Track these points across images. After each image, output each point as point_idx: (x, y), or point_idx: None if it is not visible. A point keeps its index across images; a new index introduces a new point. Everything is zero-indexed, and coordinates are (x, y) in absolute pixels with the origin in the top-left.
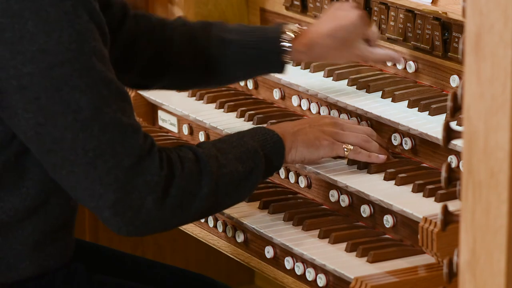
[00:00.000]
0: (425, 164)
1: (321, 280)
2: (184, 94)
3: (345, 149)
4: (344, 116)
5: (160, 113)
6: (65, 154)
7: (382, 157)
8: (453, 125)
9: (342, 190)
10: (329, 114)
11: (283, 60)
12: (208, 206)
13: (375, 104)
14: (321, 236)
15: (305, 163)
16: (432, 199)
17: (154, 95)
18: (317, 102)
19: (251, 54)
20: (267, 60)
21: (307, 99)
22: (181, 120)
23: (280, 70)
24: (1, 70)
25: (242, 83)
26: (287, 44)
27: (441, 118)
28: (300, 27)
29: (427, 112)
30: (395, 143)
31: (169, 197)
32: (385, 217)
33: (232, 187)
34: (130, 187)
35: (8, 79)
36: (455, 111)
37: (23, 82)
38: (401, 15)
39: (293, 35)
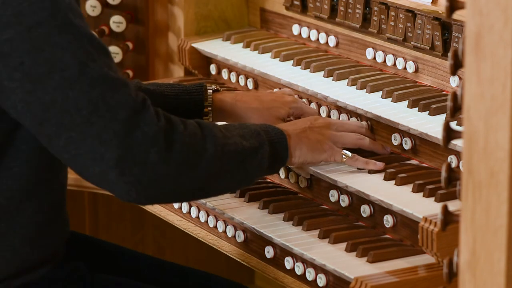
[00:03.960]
0: (425, 164)
1: (321, 280)
2: None
3: (343, 156)
4: (344, 116)
5: None
6: (59, 120)
7: (380, 164)
8: (453, 125)
9: (342, 190)
10: (329, 114)
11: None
12: (215, 171)
13: (375, 104)
14: (321, 236)
15: (304, 165)
16: (432, 199)
17: None
18: (317, 102)
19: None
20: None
21: (307, 99)
22: None
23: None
24: None
25: (242, 83)
26: (213, 87)
27: (441, 118)
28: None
29: (427, 112)
30: (395, 143)
31: (174, 152)
32: (385, 217)
33: (238, 159)
34: (130, 142)
35: None
36: (455, 111)
37: (3, 50)
38: (401, 15)
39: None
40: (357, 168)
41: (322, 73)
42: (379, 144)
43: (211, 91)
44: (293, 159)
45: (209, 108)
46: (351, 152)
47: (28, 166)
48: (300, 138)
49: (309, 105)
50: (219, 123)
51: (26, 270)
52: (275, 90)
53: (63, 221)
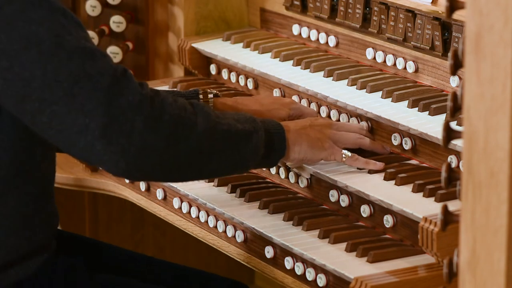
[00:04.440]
0: (425, 164)
1: (321, 280)
2: None
3: (343, 156)
4: (344, 116)
5: None
6: (41, 95)
7: (380, 164)
8: (453, 125)
9: (342, 190)
10: (329, 114)
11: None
12: (206, 148)
13: (375, 104)
14: (321, 236)
15: (303, 162)
16: (432, 199)
17: None
18: (317, 102)
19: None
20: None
21: (307, 99)
22: None
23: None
24: None
25: (242, 83)
26: (214, 92)
27: (441, 118)
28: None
29: (427, 112)
30: (395, 143)
31: (162, 122)
32: (385, 217)
33: (231, 139)
34: (114, 110)
35: None
36: (455, 111)
37: None
38: (401, 15)
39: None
40: (357, 168)
41: (322, 73)
42: (379, 144)
43: (212, 95)
44: (292, 154)
45: None
46: (351, 152)
47: (8, 156)
48: (300, 134)
49: (309, 105)
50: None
51: (15, 262)
52: (274, 90)
53: (49, 214)
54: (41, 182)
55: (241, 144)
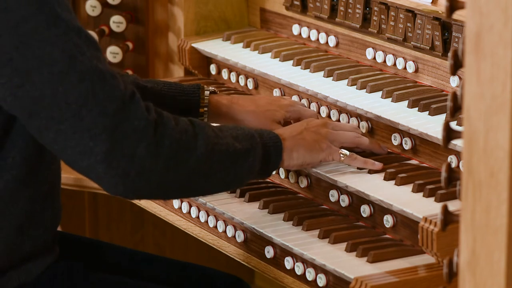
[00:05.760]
0: (425, 164)
1: (321, 280)
2: None
3: (341, 155)
4: (344, 116)
5: None
6: (49, 113)
7: (378, 164)
8: (453, 125)
9: (342, 190)
10: (329, 114)
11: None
12: (204, 170)
13: (375, 104)
14: (321, 236)
15: (303, 167)
16: (432, 199)
17: None
18: (317, 102)
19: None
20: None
21: (307, 99)
22: None
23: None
24: None
25: (242, 83)
26: (211, 89)
27: (441, 118)
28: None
29: (427, 112)
30: (395, 143)
31: (163, 147)
32: (385, 217)
33: (228, 160)
34: (119, 135)
35: None
36: (455, 111)
37: None
38: (401, 15)
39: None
40: (357, 168)
41: (322, 73)
42: (377, 143)
43: (208, 92)
44: (291, 161)
45: (205, 109)
46: (348, 152)
47: (22, 157)
48: (296, 140)
49: (309, 105)
50: (214, 125)
51: (19, 264)
52: (274, 90)
53: (55, 213)
54: (50, 181)
55: (238, 163)
